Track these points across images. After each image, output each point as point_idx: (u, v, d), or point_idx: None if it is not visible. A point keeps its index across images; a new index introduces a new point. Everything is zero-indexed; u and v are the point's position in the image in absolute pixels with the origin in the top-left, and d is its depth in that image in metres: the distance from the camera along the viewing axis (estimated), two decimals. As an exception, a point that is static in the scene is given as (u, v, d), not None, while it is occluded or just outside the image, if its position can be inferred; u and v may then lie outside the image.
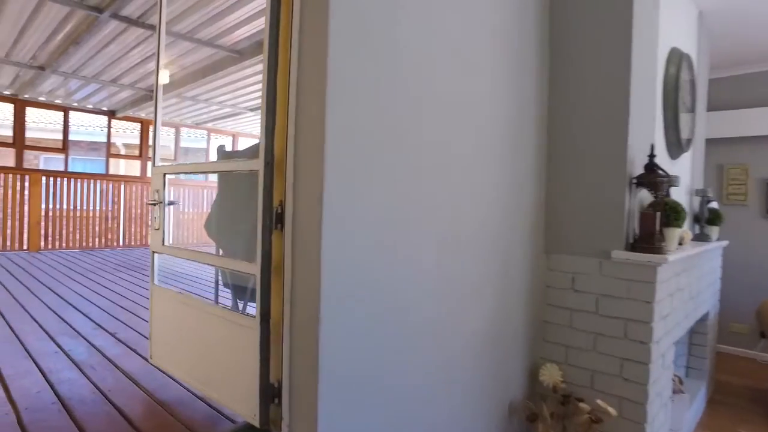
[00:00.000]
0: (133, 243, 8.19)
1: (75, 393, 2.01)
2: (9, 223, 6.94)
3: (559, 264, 2.29)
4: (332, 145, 1.40)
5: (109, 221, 7.89)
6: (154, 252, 2.14)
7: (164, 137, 11.99)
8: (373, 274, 1.51)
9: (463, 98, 1.81)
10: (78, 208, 7.53)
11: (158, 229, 2.09)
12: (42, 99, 7.20)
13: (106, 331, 2.95)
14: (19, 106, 7.06)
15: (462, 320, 1.85)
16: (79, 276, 5.06)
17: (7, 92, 6.89)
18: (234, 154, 2.14)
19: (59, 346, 2.63)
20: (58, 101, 7.35)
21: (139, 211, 8.20)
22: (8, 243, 6.97)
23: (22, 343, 2.68)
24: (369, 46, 1.46)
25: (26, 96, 6.98)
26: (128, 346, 2.66)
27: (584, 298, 2.21)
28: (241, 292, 2.07)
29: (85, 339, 2.77)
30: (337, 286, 1.41)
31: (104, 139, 12.21)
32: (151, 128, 8.67)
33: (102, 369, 2.28)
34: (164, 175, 2.09)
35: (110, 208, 7.90)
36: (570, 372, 2.24)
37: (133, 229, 8.16)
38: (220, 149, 2.03)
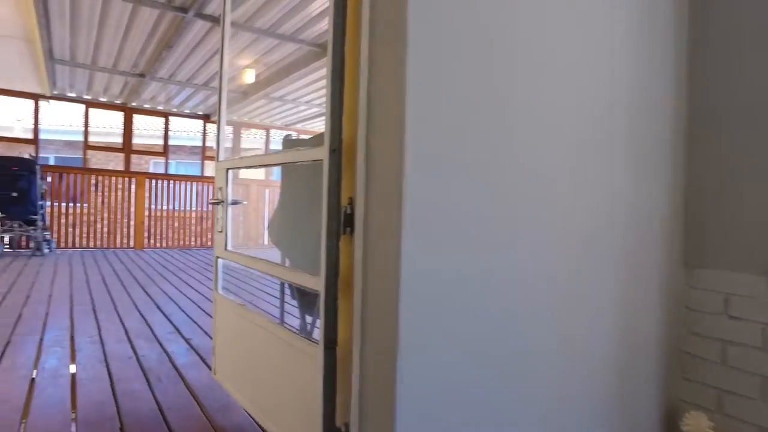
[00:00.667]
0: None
1: (135, 409, 1.85)
2: (118, 222, 7.42)
3: (705, 280, 1.72)
4: (415, 122, 1.05)
5: (204, 221, 8.19)
6: (217, 257, 1.93)
7: (252, 140, 12.41)
8: (468, 291, 1.13)
9: (581, 60, 1.37)
10: (177, 208, 7.89)
11: (221, 231, 1.87)
12: (146, 106, 7.62)
13: (182, 336, 2.84)
14: (128, 114, 7.53)
15: (580, 352, 1.40)
16: (171, 275, 5.18)
17: (117, 101, 7.37)
18: (298, 143, 1.86)
19: (134, 351, 2.54)
20: (159, 107, 7.74)
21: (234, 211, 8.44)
22: (117, 241, 7.45)
23: (103, 344, 2.63)
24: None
25: (133, 104, 7.43)
26: (199, 355, 2.50)
27: (745, 327, 1.64)
28: (308, 307, 1.79)
29: (160, 344, 2.67)
30: (421, 306, 1.07)
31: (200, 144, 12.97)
32: (243, 131, 8.98)
33: (168, 381, 2.12)
34: (227, 170, 1.86)
35: (205, 209, 8.20)
36: (727, 426, 1.68)
37: (234, 232, 8.39)
38: (287, 138, 1.76)
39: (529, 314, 1.26)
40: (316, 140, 1.47)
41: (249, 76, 5.47)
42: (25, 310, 3.35)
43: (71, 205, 7.08)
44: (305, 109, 7.57)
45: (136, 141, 12.25)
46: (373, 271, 1.16)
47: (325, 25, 4.13)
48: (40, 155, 12.65)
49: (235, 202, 1.90)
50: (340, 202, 1.24)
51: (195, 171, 13.69)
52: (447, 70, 1.10)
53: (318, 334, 1.30)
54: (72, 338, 2.74)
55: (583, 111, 1.37)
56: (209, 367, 2.26)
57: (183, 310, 3.49)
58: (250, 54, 4.91)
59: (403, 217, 1.05)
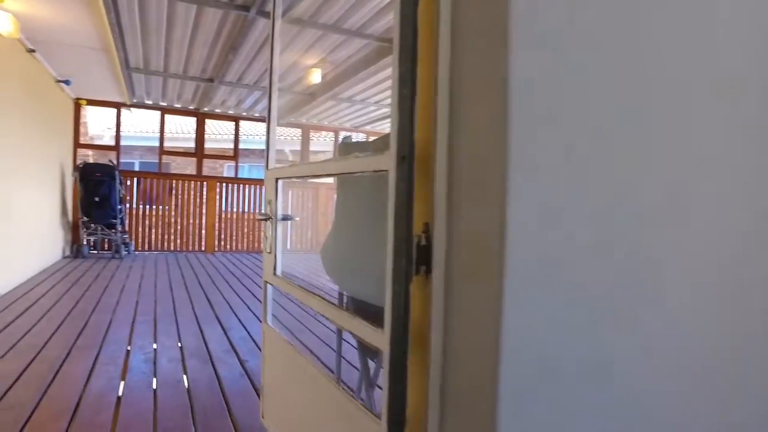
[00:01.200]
0: (292, 247, 8.37)
1: (173, 455, 1.61)
2: (191, 226, 7.55)
3: None
4: (521, 116, 0.69)
5: (273, 225, 8.15)
6: (266, 281, 1.65)
7: (323, 142, 12.39)
8: (601, 358, 0.77)
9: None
10: (246, 211, 7.93)
11: (270, 252, 1.59)
12: (218, 110, 7.72)
13: (238, 356, 2.62)
14: (200, 119, 7.66)
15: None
16: (236, 282, 5.10)
17: (191, 107, 7.51)
18: (357, 147, 1.53)
19: (185, 373, 2.35)
20: (230, 111, 7.81)
21: (301, 214, 8.38)
22: (189, 244, 7.58)
23: (155, 363, 2.47)
24: None
25: (205, 109, 7.54)
26: (252, 381, 2.26)
27: None
28: (371, 352, 1.46)
29: (213, 366, 2.46)
30: (529, 377, 0.72)
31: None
32: (313, 134, 8.91)
33: (212, 417, 1.88)
34: (276, 180, 1.57)
35: (274, 213, 8.17)
36: None
37: (294, 233, 8.35)
38: (344, 142, 1.45)
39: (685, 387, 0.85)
40: (379, 144, 1.13)
41: (315, 77, 5.28)
42: (91, 318, 3.31)
43: (148, 208, 7.30)
44: (375, 109, 7.32)
45: (212, 145, 12.67)
46: (459, 326, 0.82)
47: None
48: (127, 160, 13.44)
49: (285, 218, 1.61)
50: (412, 229, 0.89)
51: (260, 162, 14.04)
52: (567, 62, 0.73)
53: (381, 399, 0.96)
54: (128, 354, 2.61)
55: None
56: (260, 397, 2.01)
57: (243, 324, 3.30)
58: (315, 53, 4.71)
59: (506, 250, 0.70)
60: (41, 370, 2.30)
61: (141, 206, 7.24)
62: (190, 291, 4.44)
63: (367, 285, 1.21)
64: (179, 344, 2.82)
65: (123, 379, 2.25)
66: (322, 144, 12.44)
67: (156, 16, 4.05)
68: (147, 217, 7.28)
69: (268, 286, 1.64)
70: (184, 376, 2.31)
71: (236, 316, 3.56)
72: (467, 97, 0.80)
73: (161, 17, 4.04)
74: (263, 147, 10.17)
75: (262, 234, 1.67)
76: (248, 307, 3.85)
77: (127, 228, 6.89)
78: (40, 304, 3.65)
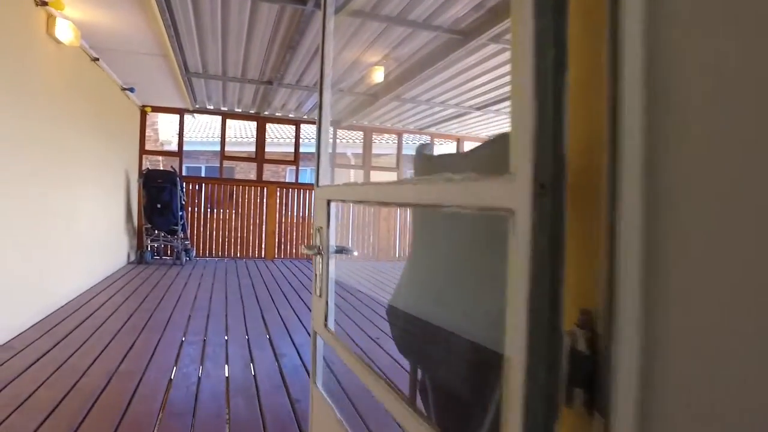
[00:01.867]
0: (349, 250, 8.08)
1: None
2: (251, 232, 7.46)
3: None
4: None
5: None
6: (315, 332, 1.27)
7: (385, 144, 12.05)
8: None
9: None
10: (307, 217, 7.74)
11: (321, 296, 1.21)
12: (278, 114, 7.58)
13: (288, 393, 2.29)
14: (261, 123, 7.55)
15: None
16: (294, 295, 4.84)
17: (251, 111, 7.42)
18: (445, 162, 1.11)
19: (228, 412, 2.04)
20: (290, 115, 7.66)
21: (363, 220, 8.10)
22: (249, 251, 7.48)
23: (197, 399, 2.19)
24: None
25: (265, 113, 7.42)
26: (300, 428, 1.91)
27: None
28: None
29: (260, 404, 2.14)
30: None
31: (338, 151, 13.03)
32: (375, 136, 8.61)
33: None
34: (328, 203, 1.20)
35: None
36: None
37: (356, 238, 8.07)
38: (421, 152, 1.04)
39: None
40: (489, 156, 0.71)
41: (378, 76, 4.94)
42: (140, 337, 3.12)
43: (209, 214, 7.27)
44: (440, 110, 6.88)
45: (274, 149, 12.74)
46: None
47: (467, 4, 3.37)
48: (194, 165, 13.83)
49: (341, 250, 1.22)
50: (559, 320, 0.48)
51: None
52: None
53: None
54: (169, 384, 2.35)
55: None
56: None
57: (297, 350, 2.98)
58: (378, 49, 4.35)
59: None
60: (75, 404, 2.07)
61: (202, 212, 7.23)
62: (245, 305, 4.22)
63: (464, 373, 0.79)
64: (226, 374, 2.54)
65: (160, 414, 1.98)
66: (385, 147, 12.11)
67: (210, 16, 3.86)
68: (208, 223, 7.25)
69: (318, 337, 1.26)
70: (227, 415, 2.01)
71: (291, 338, 3.25)
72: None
73: (215, 16, 3.84)
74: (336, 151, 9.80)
75: (314, 269, 1.30)
76: (304, 327, 3.55)
77: (188, 234, 6.88)
78: (95, 318, 3.53)
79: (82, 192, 4.45)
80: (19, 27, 3.09)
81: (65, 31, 3.56)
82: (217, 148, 7.55)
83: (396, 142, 8.64)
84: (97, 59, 4.58)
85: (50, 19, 3.45)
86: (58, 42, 3.61)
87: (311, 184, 7.47)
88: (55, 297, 3.71)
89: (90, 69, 4.51)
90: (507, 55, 4.40)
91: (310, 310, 3.82)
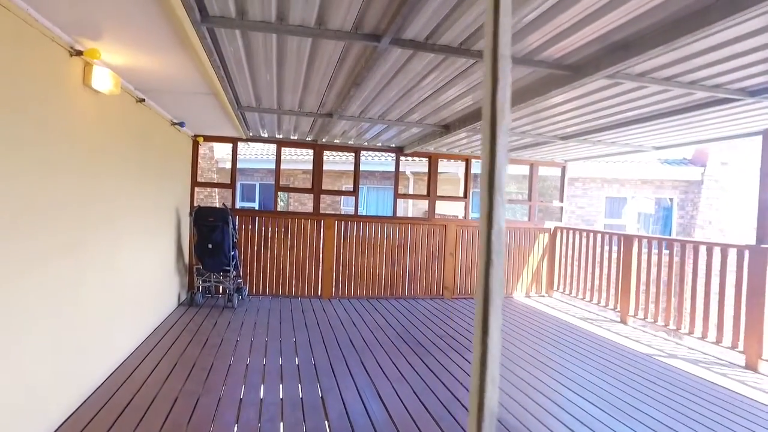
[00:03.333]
0: (418, 293, 7.39)
1: None
2: (307, 268, 6.92)
3: None
4: None
5: (396, 266, 7.27)
6: None
7: (447, 164, 11.18)
8: None
9: None
10: (366, 252, 7.12)
11: None
12: (337, 141, 7.02)
13: None
14: (318, 151, 7.01)
15: None
16: (364, 348, 4.20)
17: (308, 138, 6.90)
18: None
19: None
20: (350, 142, 7.07)
21: (424, 257, 7.38)
22: (305, 289, 6.96)
23: None
24: None
25: (323, 140, 6.87)
26: None
27: None
28: None
29: None
30: None
31: (393, 169, 12.38)
32: (444, 163, 7.87)
33: None
34: None
35: (396, 253, 7.28)
36: None
37: (419, 276, 7.37)
38: None
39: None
40: None
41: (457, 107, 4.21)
42: (169, 418, 2.56)
43: (263, 249, 6.80)
44: (516, 138, 6.07)
45: (330, 167, 12.26)
46: None
47: (580, 39, 2.60)
48: (248, 182, 13.63)
49: None
50: None
51: (386, 198, 13.24)
52: None
53: None
54: None
55: None
56: None
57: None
58: (461, 83, 3.64)
59: None
60: None
61: (255, 247, 6.77)
62: (301, 370, 3.60)
63: None
64: None
65: None
66: (446, 165, 11.33)
67: (264, 56, 3.28)
68: (261, 258, 6.79)
69: None
70: None
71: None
72: None
73: (270, 54, 3.26)
74: (385, 169, 9.36)
75: None
76: (392, 412, 2.87)
77: (240, 272, 6.43)
78: (132, 410, 3.02)
79: (132, 244, 4.02)
80: (52, 79, 2.62)
81: (104, 80, 3.09)
82: (271, 165, 7.02)
83: (464, 166, 7.86)
84: (143, 100, 4.14)
85: (87, 68, 2.99)
86: (96, 92, 3.15)
87: (374, 217, 6.78)
88: (94, 374, 3.24)
89: (136, 110, 4.08)
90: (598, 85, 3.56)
91: (403, 375, 3.08)
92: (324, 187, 7.15)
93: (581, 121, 5.02)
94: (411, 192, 12.63)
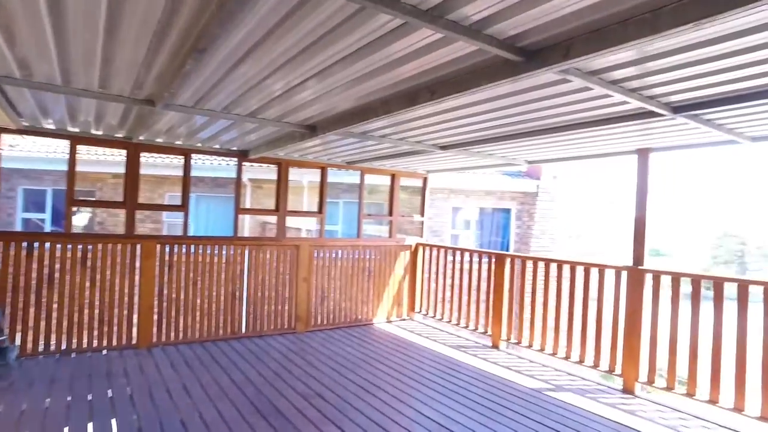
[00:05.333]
0: (266, 328, 6.08)
1: None
2: (117, 308, 5.13)
3: None
4: None
5: (237, 299, 5.86)
6: None
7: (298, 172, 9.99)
8: None
9: None
10: (200, 283, 5.59)
11: None
12: (159, 140, 5.36)
13: None
14: (132, 152, 5.26)
15: None
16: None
17: (118, 135, 5.12)
18: None
19: None
20: (178, 142, 5.48)
21: (273, 284, 6.11)
22: (114, 337, 5.14)
23: None
24: None
25: (141, 138, 5.17)
26: None
27: None
28: None
29: None
30: None
31: (230, 175, 10.69)
32: (298, 172, 6.63)
33: None
34: None
35: (238, 282, 5.88)
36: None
37: (266, 308, 6.07)
38: None
39: None
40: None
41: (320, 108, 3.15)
42: None
43: (46, 285, 4.82)
44: (391, 146, 5.24)
45: (147, 171, 10.06)
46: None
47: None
48: (37, 187, 10.56)
49: None
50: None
51: (221, 211, 11.36)
52: None
53: None
54: None
55: None
56: None
57: None
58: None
59: None
60: None
61: (34, 285, 4.73)
62: None
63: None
64: None
65: None
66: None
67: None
68: (44, 300, 4.78)
69: None
70: None
71: None
72: None
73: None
74: (216, 174, 7.79)
75: None
76: None
77: (4, 327, 4.39)
78: None
79: None
80: None
81: None
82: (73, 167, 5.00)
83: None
84: None
85: None
86: None
87: (215, 238, 5.26)
88: None
89: None
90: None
91: None
92: (142, 196, 5.41)
93: (467, 131, 4.40)
94: (249, 203, 11.09)
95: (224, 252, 5.72)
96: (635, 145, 4.57)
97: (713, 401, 4.00)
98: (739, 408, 3.86)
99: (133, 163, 5.24)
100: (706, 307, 4.07)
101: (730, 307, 3.97)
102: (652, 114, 3.26)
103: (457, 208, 12.12)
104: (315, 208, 6.92)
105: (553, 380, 4.77)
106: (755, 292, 3.91)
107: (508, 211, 12.37)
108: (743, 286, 3.92)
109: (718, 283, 4.05)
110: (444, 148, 5.11)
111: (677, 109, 3.10)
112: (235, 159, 5.89)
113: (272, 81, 2.99)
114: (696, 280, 4.18)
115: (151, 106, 3.54)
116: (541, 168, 11.86)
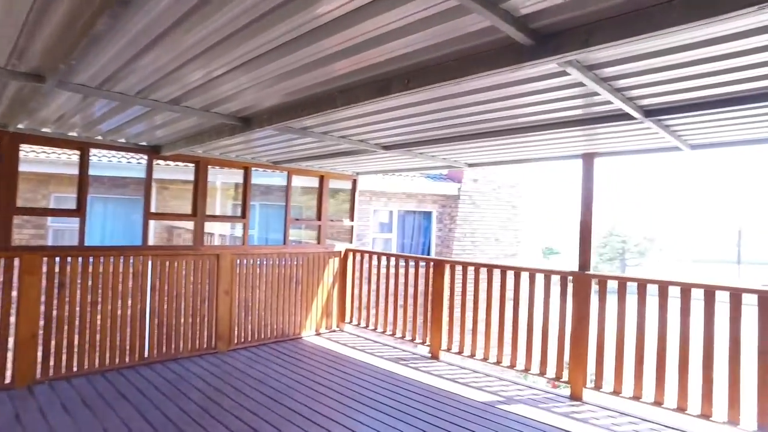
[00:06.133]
0: (183, 350, 5.32)
1: None
2: (-16, 337, 4.11)
3: None
4: None
5: (146, 318, 5.07)
6: None
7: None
8: None
9: None
10: (100, 301, 4.73)
11: None
12: (46, 130, 4.42)
13: None
14: (9, 144, 4.27)
15: None
16: None
17: (-11, 120, 4.11)
18: None
19: None
20: (72, 134, 4.56)
21: (190, 298, 5.38)
22: (-17, 374, 4.12)
23: None
24: None
25: (21, 126, 4.21)
26: None
27: None
28: None
29: None
30: None
31: (135, 174, 9.46)
32: (211, 172, 5.86)
33: None
34: None
35: (149, 298, 5.09)
36: None
37: (182, 326, 5.33)
38: None
39: None
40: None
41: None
42: None
43: None
44: (333, 144, 4.77)
45: (28, 169, 8.59)
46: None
47: None
48: None
49: None
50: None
51: (123, 214, 10.01)
52: None
53: None
54: None
55: None
56: None
57: None
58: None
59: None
60: None
61: None
62: None
63: None
64: None
65: None
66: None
67: None
68: None
69: None
70: None
71: None
72: None
73: None
74: (118, 174, 6.77)
75: None
76: None
77: None
78: None
79: None
80: None
81: None
82: None
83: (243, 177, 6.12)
84: None
85: None
86: None
87: (115, 248, 4.39)
88: None
89: None
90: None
91: None
92: (23, 199, 4.40)
93: (414, 131, 4.08)
94: (154, 207, 9.93)
95: (131, 263, 4.87)
96: (581, 150, 4.54)
97: (658, 402, 4.04)
98: (681, 408, 3.93)
99: (10, 159, 4.24)
100: (653, 309, 4.11)
101: (673, 308, 4.04)
102: (611, 118, 3.18)
103: (379, 211, 11.87)
104: (230, 212, 6.21)
105: (501, 391, 4.59)
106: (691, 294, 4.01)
107: (429, 214, 12.35)
108: (686, 290, 4.01)
109: (663, 287, 4.10)
110: (387, 148, 4.74)
111: (648, 113, 3.00)
112: (145, 156, 5.04)
113: (198, 63, 2.42)
114: (642, 285, 4.21)
115: (39, 82, 2.76)
116: (462, 171, 11.97)
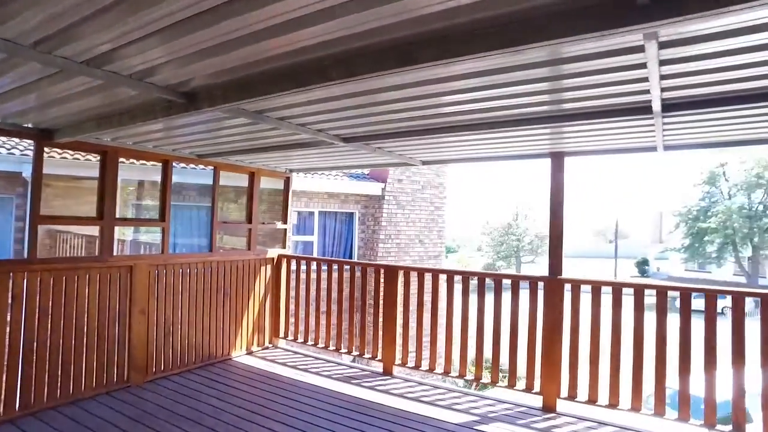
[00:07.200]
0: (86, 388, 4.28)
1: None
2: None
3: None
4: None
5: (37, 352, 3.98)
6: None
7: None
8: None
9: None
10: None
11: None
12: None
13: None
14: None
15: None
16: None
17: None
18: None
19: None
20: None
21: (96, 322, 4.35)
22: None
23: None
24: None
25: None
26: None
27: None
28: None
29: None
30: None
31: (10, 168, 7.66)
32: (130, 162, 4.66)
33: None
34: None
35: (39, 326, 4.00)
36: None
37: (85, 358, 4.29)
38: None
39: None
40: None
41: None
42: None
43: None
44: (291, 132, 4.06)
45: None
46: None
47: None
48: None
49: None
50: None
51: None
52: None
53: None
54: None
55: None
56: None
57: None
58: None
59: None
60: None
61: None
62: None
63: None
64: None
65: None
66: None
67: None
68: None
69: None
70: None
71: None
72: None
73: None
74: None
75: None
76: None
77: None
78: None
79: None
80: None
81: None
82: None
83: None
84: None
85: None
86: None
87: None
88: None
89: None
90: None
91: None
92: None
93: (379, 121, 3.56)
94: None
95: (11, 282, 3.74)
96: (548, 149, 4.32)
97: (635, 409, 3.92)
98: (659, 413, 3.84)
99: None
100: (628, 314, 3.98)
101: (649, 314, 3.94)
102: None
103: (301, 213, 11.11)
104: (141, 214, 5.20)
105: (473, 409, 4.21)
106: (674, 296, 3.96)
107: (352, 215, 11.82)
108: (661, 292, 3.93)
109: (638, 290, 3.99)
110: (347, 140, 4.14)
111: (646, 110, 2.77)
112: (31, 141, 3.91)
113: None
114: (617, 288, 4.08)
115: None
116: (387, 171, 11.60)
